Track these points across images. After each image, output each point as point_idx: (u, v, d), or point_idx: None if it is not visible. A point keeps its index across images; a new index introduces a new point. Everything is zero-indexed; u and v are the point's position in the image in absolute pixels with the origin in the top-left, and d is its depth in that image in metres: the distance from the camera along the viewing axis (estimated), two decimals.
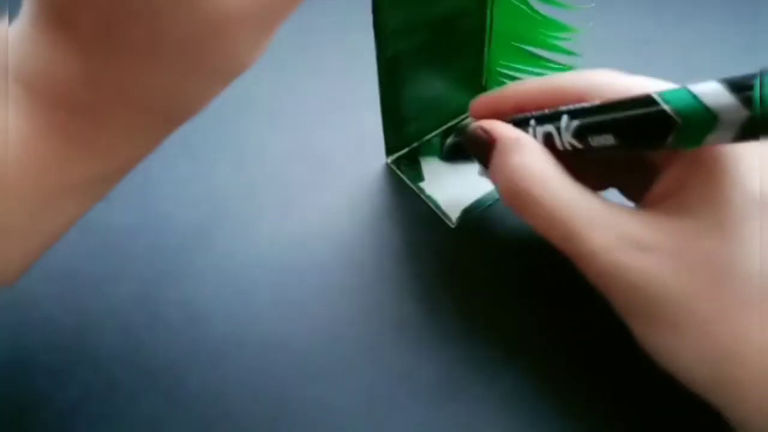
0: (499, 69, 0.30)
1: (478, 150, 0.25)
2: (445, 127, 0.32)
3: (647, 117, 0.20)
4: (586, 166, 0.23)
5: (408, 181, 0.30)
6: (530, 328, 0.26)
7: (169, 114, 0.19)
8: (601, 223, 0.21)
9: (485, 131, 0.24)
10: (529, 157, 0.23)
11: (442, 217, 0.29)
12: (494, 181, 0.24)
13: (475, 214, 0.29)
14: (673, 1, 0.37)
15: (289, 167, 0.31)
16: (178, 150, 0.32)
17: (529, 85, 0.25)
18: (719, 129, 0.18)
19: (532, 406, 0.24)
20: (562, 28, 0.28)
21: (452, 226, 0.29)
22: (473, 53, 0.29)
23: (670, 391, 0.22)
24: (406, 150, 0.31)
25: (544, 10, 0.27)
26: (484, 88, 0.31)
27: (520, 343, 0.26)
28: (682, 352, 0.20)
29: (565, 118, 0.22)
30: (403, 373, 0.25)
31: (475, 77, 0.30)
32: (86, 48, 0.17)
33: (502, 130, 0.24)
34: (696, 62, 0.34)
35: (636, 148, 0.21)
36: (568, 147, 0.22)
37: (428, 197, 0.30)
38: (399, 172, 0.31)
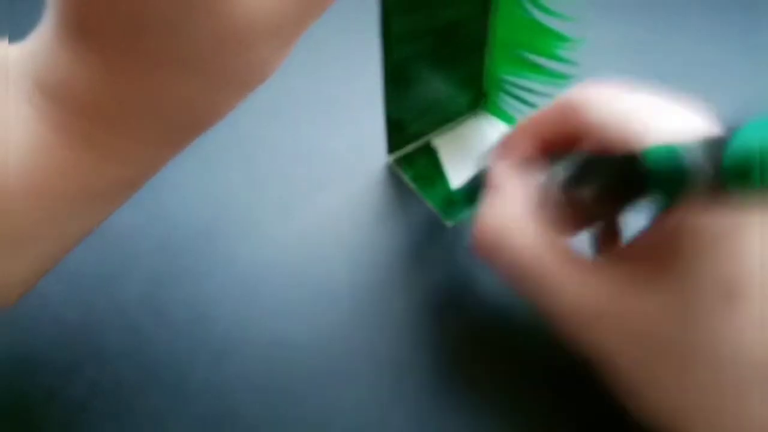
0: (499, 75, 0.30)
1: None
2: (446, 126, 0.32)
3: (627, 172, 0.20)
4: (571, 211, 0.24)
5: (407, 180, 0.31)
6: (530, 325, 0.27)
7: (190, 123, 0.19)
8: (575, 282, 0.21)
9: (486, 176, 0.25)
10: (505, 208, 0.23)
11: (440, 216, 0.30)
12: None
13: (473, 214, 0.30)
14: (672, 4, 0.37)
15: (292, 167, 0.32)
16: (182, 151, 0.32)
17: (531, 124, 0.25)
18: (691, 186, 0.18)
19: (531, 402, 0.25)
20: (562, 38, 0.28)
21: (449, 225, 0.30)
22: (475, 59, 0.30)
23: None
24: (406, 149, 0.32)
25: (545, 19, 0.28)
26: (483, 93, 0.32)
27: (520, 341, 0.26)
28: (640, 407, 0.21)
29: (557, 169, 0.23)
30: (404, 372, 0.26)
31: (476, 81, 0.31)
32: (109, 57, 0.17)
33: (495, 174, 0.24)
34: (695, 65, 0.35)
35: (617, 201, 0.21)
36: (560, 196, 0.23)
37: (427, 196, 0.30)
38: (399, 171, 0.31)
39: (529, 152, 0.25)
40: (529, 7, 0.28)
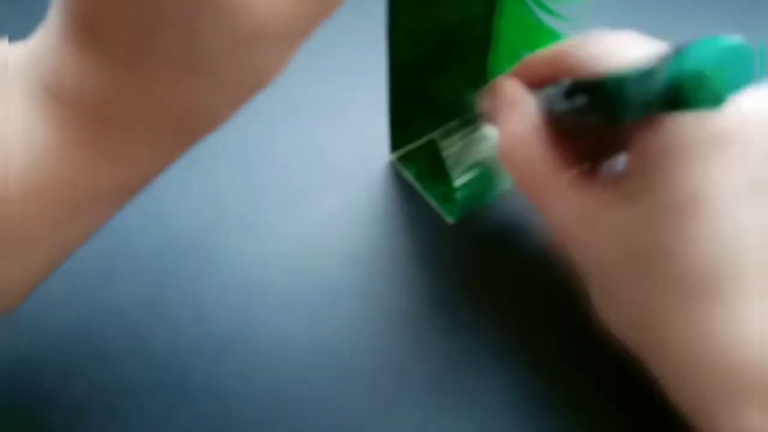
0: (502, 74, 0.30)
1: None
2: (447, 125, 0.32)
3: (601, 95, 0.21)
4: (574, 140, 0.25)
5: (410, 178, 0.31)
6: (530, 324, 0.27)
7: (194, 126, 0.19)
8: (563, 197, 0.23)
9: (496, 86, 0.27)
10: (518, 124, 0.25)
11: (442, 214, 0.30)
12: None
13: (474, 211, 0.30)
14: (673, 4, 0.38)
15: (292, 167, 0.31)
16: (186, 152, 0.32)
17: (538, 58, 0.27)
18: (654, 87, 0.18)
19: (531, 401, 0.25)
20: (564, 38, 0.29)
21: (450, 223, 0.30)
22: (479, 59, 0.30)
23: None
24: (409, 146, 0.32)
25: (548, 20, 0.28)
26: None
27: (520, 340, 0.26)
28: (615, 320, 0.23)
29: (546, 93, 0.25)
30: (405, 371, 0.26)
31: (480, 81, 0.31)
32: (116, 59, 0.17)
33: (507, 90, 0.26)
34: None
35: (602, 112, 0.22)
36: (560, 109, 0.24)
37: (429, 193, 0.30)
38: (402, 168, 0.31)
39: (525, 86, 0.27)
40: (534, 8, 0.28)
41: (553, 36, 0.29)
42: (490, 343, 0.26)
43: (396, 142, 0.31)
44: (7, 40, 0.19)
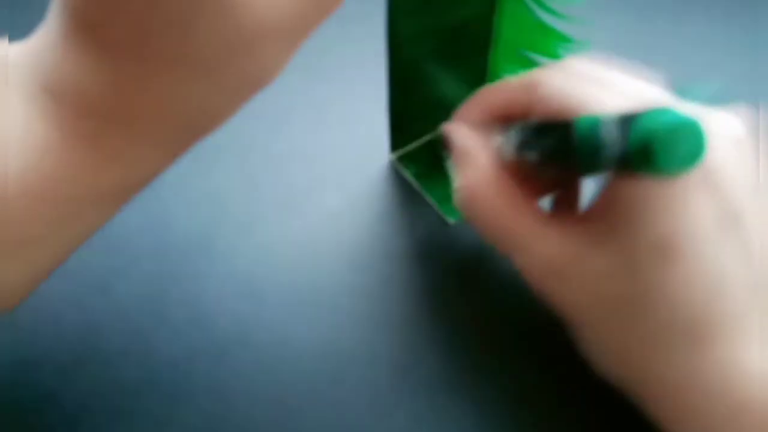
0: (503, 74, 0.30)
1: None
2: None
3: (559, 140, 0.21)
4: (533, 174, 0.25)
5: (410, 178, 0.31)
6: (531, 324, 0.27)
7: (195, 124, 0.19)
8: (529, 247, 0.23)
9: (447, 137, 0.26)
10: (472, 174, 0.24)
11: (442, 214, 0.30)
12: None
13: None
14: (674, 4, 0.37)
15: (292, 167, 0.31)
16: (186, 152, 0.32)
17: (492, 93, 0.26)
18: (606, 158, 0.18)
19: (532, 401, 0.25)
20: (565, 38, 0.29)
21: (450, 223, 0.30)
22: (479, 58, 0.30)
23: None
24: (409, 147, 0.32)
25: (549, 20, 0.28)
26: None
27: (520, 340, 0.26)
28: (601, 363, 0.23)
29: (511, 133, 0.24)
30: (405, 371, 0.26)
31: (480, 80, 0.31)
32: (116, 58, 0.17)
33: (459, 138, 0.26)
34: (698, 66, 0.35)
35: (561, 167, 0.22)
36: (514, 158, 0.24)
37: (429, 193, 0.30)
38: (402, 168, 0.31)
39: (486, 119, 0.26)
40: (534, 7, 0.28)
41: (554, 35, 0.29)
42: (489, 342, 0.26)
43: (396, 142, 0.31)
44: (7, 40, 0.19)
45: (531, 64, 0.30)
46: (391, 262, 0.29)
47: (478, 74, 0.30)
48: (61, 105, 0.18)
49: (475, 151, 0.25)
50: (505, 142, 0.24)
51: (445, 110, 0.31)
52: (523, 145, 0.23)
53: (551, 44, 0.29)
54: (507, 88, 0.25)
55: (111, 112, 0.18)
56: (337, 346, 0.26)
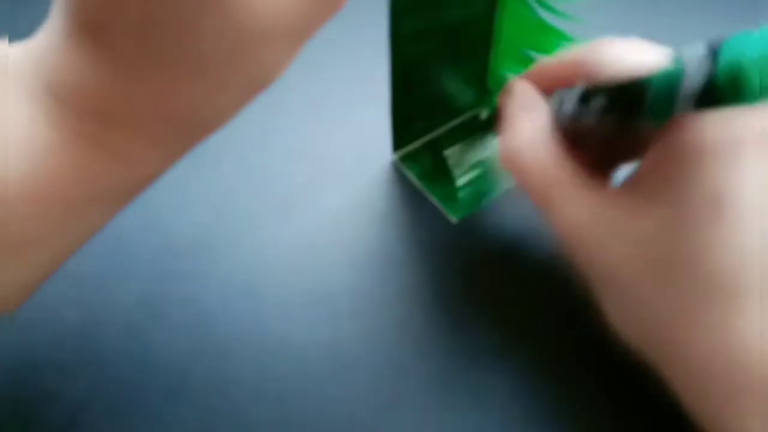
0: (504, 73, 0.30)
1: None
2: (450, 124, 0.32)
3: (632, 81, 0.21)
4: (584, 148, 0.25)
5: (413, 177, 0.31)
6: (532, 324, 0.27)
7: (198, 125, 0.19)
8: (575, 200, 0.23)
9: (508, 88, 0.27)
10: (528, 124, 0.25)
11: (445, 213, 0.30)
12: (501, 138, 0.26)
13: (478, 211, 0.30)
14: (674, 3, 0.37)
15: (293, 167, 0.31)
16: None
17: (552, 62, 0.26)
18: (686, 86, 0.18)
19: (533, 401, 0.25)
20: (566, 37, 0.28)
21: (453, 222, 0.30)
22: (480, 57, 0.30)
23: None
24: (411, 146, 0.32)
25: (550, 18, 0.28)
26: (488, 90, 0.32)
27: (521, 340, 0.26)
28: (628, 323, 0.22)
29: (567, 95, 0.24)
30: (405, 371, 0.26)
31: (481, 79, 0.31)
32: (118, 59, 0.17)
33: (519, 92, 0.26)
34: None
35: (622, 115, 0.22)
36: (574, 112, 0.24)
37: (432, 193, 0.30)
38: (404, 168, 0.31)
39: (538, 90, 0.26)
40: (534, 6, 0.28)
41: (555, 34, 0.28)
42: (491, 343, 0.26)
43: (398, 141, 0.31)
44: (7, 41, 0.19)
45: (532, 62, 0.30)
46: (393, 263, 0.28)
47: (478, 73, 0.30)
48: (62, 105, 0.18)
49: (536, 103, 0.25)
50: (560, 105, 0.24)
51: (446, 109, 0.31)
52: (581, 106, 0.23)
53: (552, 43, 0.28)
54: (555, 62, 0.26)
55: (113, 113, 0.18)
56: (337, 346, 0.26)
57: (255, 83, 0.19)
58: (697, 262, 0.20)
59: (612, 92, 0.22)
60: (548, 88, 0.26)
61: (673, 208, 0.20)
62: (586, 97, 0.23)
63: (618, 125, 0.22)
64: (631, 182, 0.22)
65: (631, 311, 0.22)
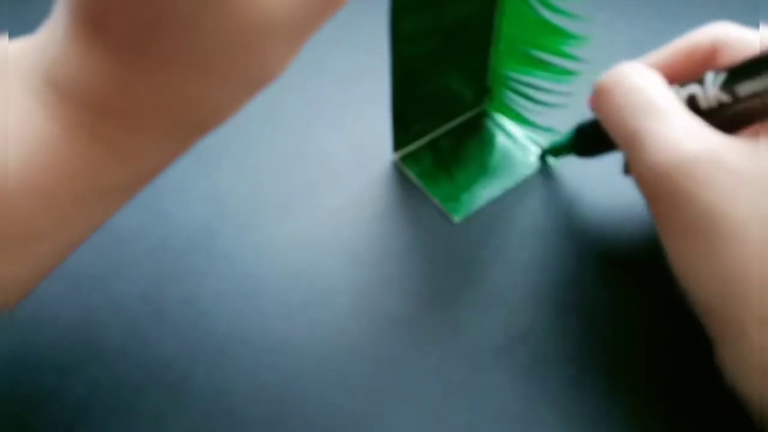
0: (504, 72, 0.30)
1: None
2: (450, 124, 0.32)
3: None
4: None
5: (413, 177, 0.31)
6: (532, 324, 0.27)
7: (199, 121, 0.19)
8: (687, 128, 0.21)
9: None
10: (642, 70, 0.23)
11: (445, 213, 0.30)
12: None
13: (479, 211, 0.30)
14: (674, 2, 0.37)
15: (293, 166, 0.31)
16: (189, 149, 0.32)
17: (661, 55, 0.25)
18: None
19: (533, 401, 0.25)
20: (567, 35, 0.28)
21: (454, 222, 0.30)
22: (481, 56, 0.30)
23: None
24: (412, 146, 0.32)
25: (551, 17, 0.28)
26: (488, 89, 0.32)
27: (521, 340, 0.26)
28: (708, 285, 0.20)
29: (710, 75, 0.22)
30: (405, 371, 0.26)
31: (481, 78, 0.31)
32: (120, 54, 0.17)
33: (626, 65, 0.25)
34: None
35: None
36: (714, 103, 0.22)
37: (433, 192, 0.30)
38: (405, 168, 0.31)
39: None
40: (536, 4, 0.27)
41: (555, 32, 0.28)
42: (491, 343, 0.26)
43: (398, 141, 0.31)
44: (7, 38, 0.19)
45: (533, 61, 0.29)
46: (393, 262, 0.28)
47: (479, 72, 0.30)
48: (63, 99, 0.18)
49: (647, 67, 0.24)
50: (702, 86, 0.23)
51: (446, 109, 0.31)
52: (734, 77, 0.22)
53: (553, 40, 0.28)
54: (660, 57, 0.25)
55: (114, 107, 0.18)
56: (338, 346, 0.26)
57: (256, 80, 0.19)
58: None
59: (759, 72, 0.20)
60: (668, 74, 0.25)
61: None
62: (730, 83, 0.21)
63: None
64: (750, 132, 0.21)
65: (718, 252, 0.19)
